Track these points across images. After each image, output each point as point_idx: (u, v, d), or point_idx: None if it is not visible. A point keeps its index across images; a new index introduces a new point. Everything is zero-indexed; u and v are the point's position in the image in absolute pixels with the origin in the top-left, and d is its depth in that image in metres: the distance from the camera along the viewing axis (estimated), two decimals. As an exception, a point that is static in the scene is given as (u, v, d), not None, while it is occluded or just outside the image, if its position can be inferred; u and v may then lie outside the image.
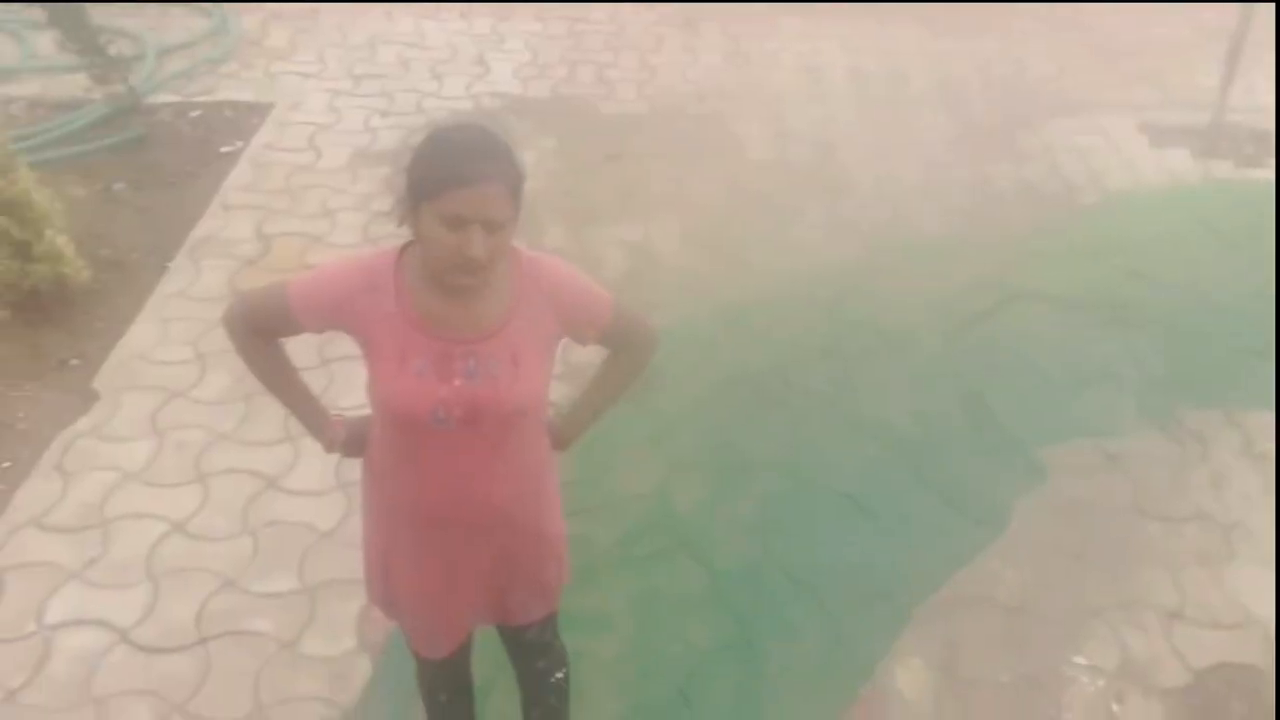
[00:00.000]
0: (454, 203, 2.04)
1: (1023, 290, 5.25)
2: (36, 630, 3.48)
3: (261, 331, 2.42)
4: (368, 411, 2.47)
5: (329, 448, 2.57)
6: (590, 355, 2.62)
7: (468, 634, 2.72)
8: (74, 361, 4.55)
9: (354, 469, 3.92)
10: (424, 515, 2.42)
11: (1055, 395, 4.64)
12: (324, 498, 3.98)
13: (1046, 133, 6.65)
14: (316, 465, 4.07)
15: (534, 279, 2.28)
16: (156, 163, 5.93)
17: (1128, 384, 4.69)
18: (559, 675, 2.91)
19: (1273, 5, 6.61)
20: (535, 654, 2.85)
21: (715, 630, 3.60)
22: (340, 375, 4.35)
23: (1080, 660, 3.55)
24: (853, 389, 4.64)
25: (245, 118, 6.43)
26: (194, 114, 6.45)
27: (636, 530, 3.94)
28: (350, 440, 2.55)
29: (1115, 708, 3.41)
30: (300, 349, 2.63)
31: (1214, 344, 4.94)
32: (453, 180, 2.05)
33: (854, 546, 3.93)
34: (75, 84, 6.42)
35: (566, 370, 4.00)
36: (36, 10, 6.15)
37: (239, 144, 6.16)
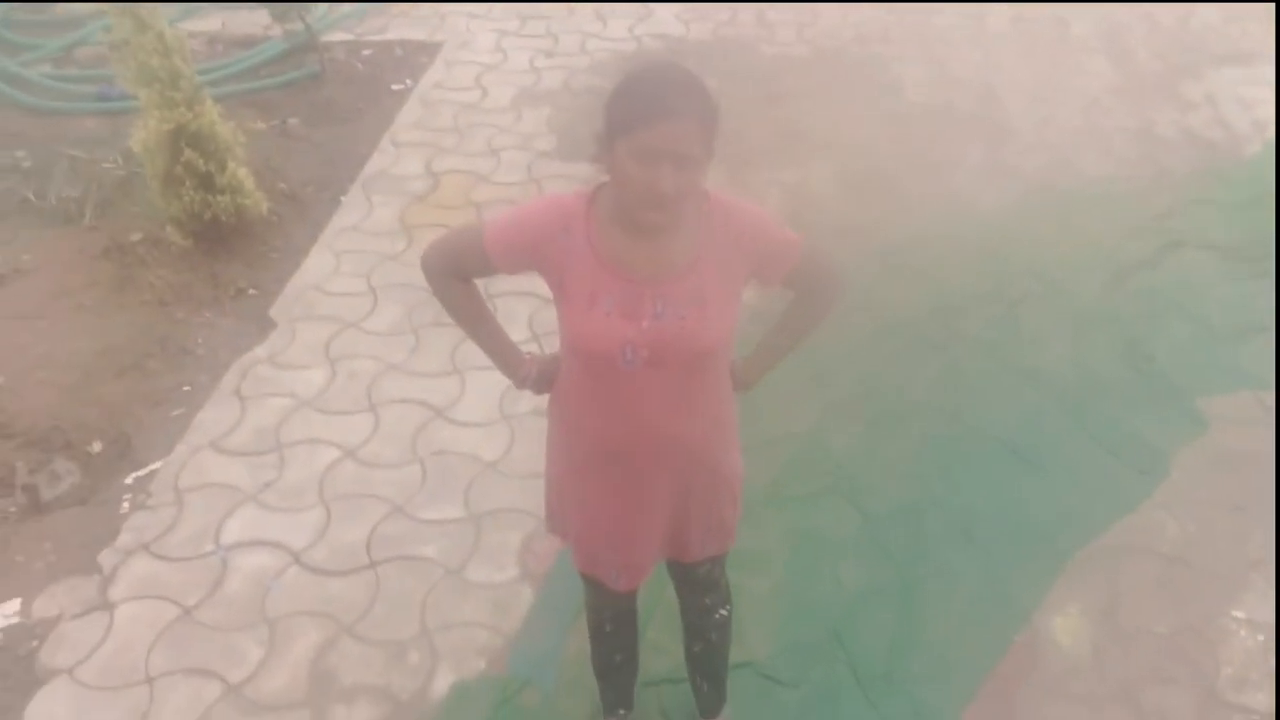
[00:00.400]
0: (647, 136, 1.94)
1: (1184, 238, 4.86)
2: (214, 549, 3.42)
3: (458, 273, 2.34)
4: (556, 349, 2.36)
5: (520, 384, 2.47)
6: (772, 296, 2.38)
7: (648, 569, 2.58)
8: (251, 291, 4.48)
9: (517, 401, 3.84)
10: (608, 449, 2.31)
11: (1215, 345, 4.28)
12: (489, 429, 3.83)
13: (1210, 81, 6.10)
14: (482, 397, 3.94)
15: (724, 221, 2.13)
16: (330, 99, 5.83)
17: (1289, 335, 4.30)
18: (724, 612, 2.79)
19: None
20: (703, 590, 2.73)
21: (869, 572, 3.40)
22: (502, 309, 4.18)
23: (1239, 614, 3.27)
24: (1012, 334, 4.34)
25: (415, 56, 6.29)
26: (366, 52, 6.33)
27: (792, 469, 3.74)
28: (541, 377, 2.44)
29: (1274, 662, 3.12)
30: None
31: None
32: (647, 114, 1.95)
33: (1012, 493, 3.68)
34: (253, 21, 6.36)
35: (750, 311, 3.76)
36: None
37: (409, 82, 6.03)
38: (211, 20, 6.62)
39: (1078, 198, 5.15)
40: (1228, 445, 3.83)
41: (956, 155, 5.45)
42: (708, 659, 2.85)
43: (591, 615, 2.78)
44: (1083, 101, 5.93)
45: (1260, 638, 3.18)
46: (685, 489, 2.40)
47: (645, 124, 1.94)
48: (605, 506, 2.41)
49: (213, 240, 4.59)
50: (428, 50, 6.32)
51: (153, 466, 3.69)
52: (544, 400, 2.49)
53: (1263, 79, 6.09)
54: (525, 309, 4.27)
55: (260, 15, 6.10)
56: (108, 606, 3.25)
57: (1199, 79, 6.14)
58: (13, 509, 3.54)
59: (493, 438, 3.78)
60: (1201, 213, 5.04)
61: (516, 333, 4.08)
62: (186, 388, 4.02)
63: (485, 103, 5.84)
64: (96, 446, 3.74)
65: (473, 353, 2.48)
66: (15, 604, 3.26)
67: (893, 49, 6.41)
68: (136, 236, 4.64)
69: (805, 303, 2.40)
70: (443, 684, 3.06)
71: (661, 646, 3.07)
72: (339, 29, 6.52)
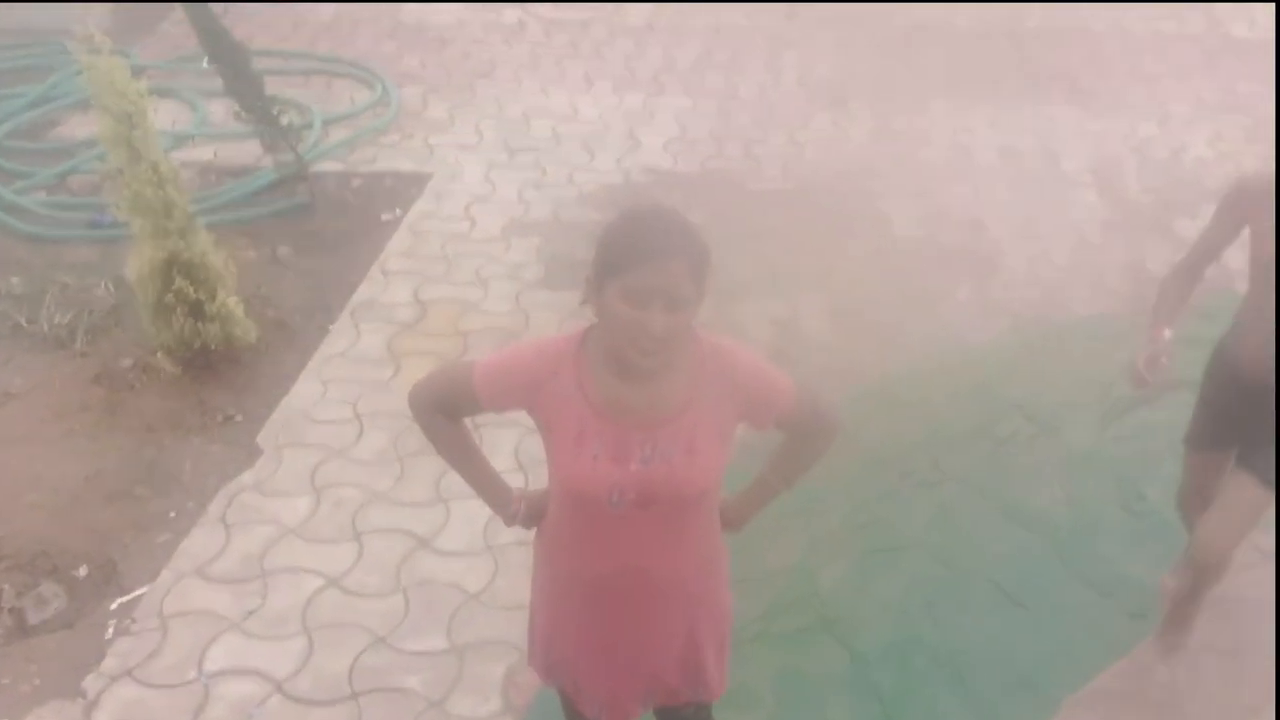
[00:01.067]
0: (638, 277, 2.06)
1: (1180, 378, 5.08)
2: (197, 677, 3.60)
3: (445, 410, 2.48)
4: (545, 485, 2.50)
5: (509, 521, 2.61)
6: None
7: (634, 712, 2.69)
8: (239, 417, 4.73)
9: (501, 532, 4.05)
10: (594, 586, 2.44)
11: (1208, 486, 4.48)
12: (473, 559, 4.04)
13: (1203, 217, 6.37)
14: (467, 527, 4.15)
15: (715, 364, 2.28)
16: (320, 229, 6.17)
17: (1283, 479, 4.50)
18: None
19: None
20: None
21: (857, 712, 3.55)
22: (488, 439, 4.42)
23: (1234, 763, 3.40)
24: (1002, 472, 4.56)
25: (405, 187, 6.65)
26: (356, 183, 6.70)
27: (779, 606, 3.91)
28: (529, 514, 2.58)
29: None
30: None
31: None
32: (638, 255, 2.07)
33: (1001, 634, 3.84)
34: (246, 151, 6.74)
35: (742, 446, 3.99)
36: (210, 80, 6.45)
37: (398, 212, 6.37)
38: (205, 150, 7.00)
39: (1068, 334, 5.44)
40: (1219, 588, 3.98)
41: (945, 290, 5.77)
42: None
43: None
44: (1073, 237, 6.28)
45: (1254, 785, 3.33)
46: (671, 627, 2.51)
47: (636, 265, 2.05)
48: (589, 641, 2.53)
49: (202, 367, 4.87)
50: (417, 181, 6.69)
51: (138, 592, 3.89)
52: (528, 531, 2.64)
53: (1253, 217, 6.45)
54: (510, 438, 4.51)
55: (253, 146, 6.46)
56: (91, 733, 3.40)
57: (1192, 215, 6.48)
58: None
59: (476, 568, 3.99)
60: (1194, 352, 5.30)
61: (501, 462, 4.31)
62: (173, 514, 4.24)
63: (474, 233, 6.18)
64: (83, 571, 3.94)
65: (458, 482, 2.67)
66: (-2, 729, 3.43)
67: (879, 183, 6.79)
68: (127, 363, 4.92)
69: (798, 445, 2.54)
70: (426, 818, 3.21)
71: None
72: (329, 159, 6.90)
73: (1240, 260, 5.54)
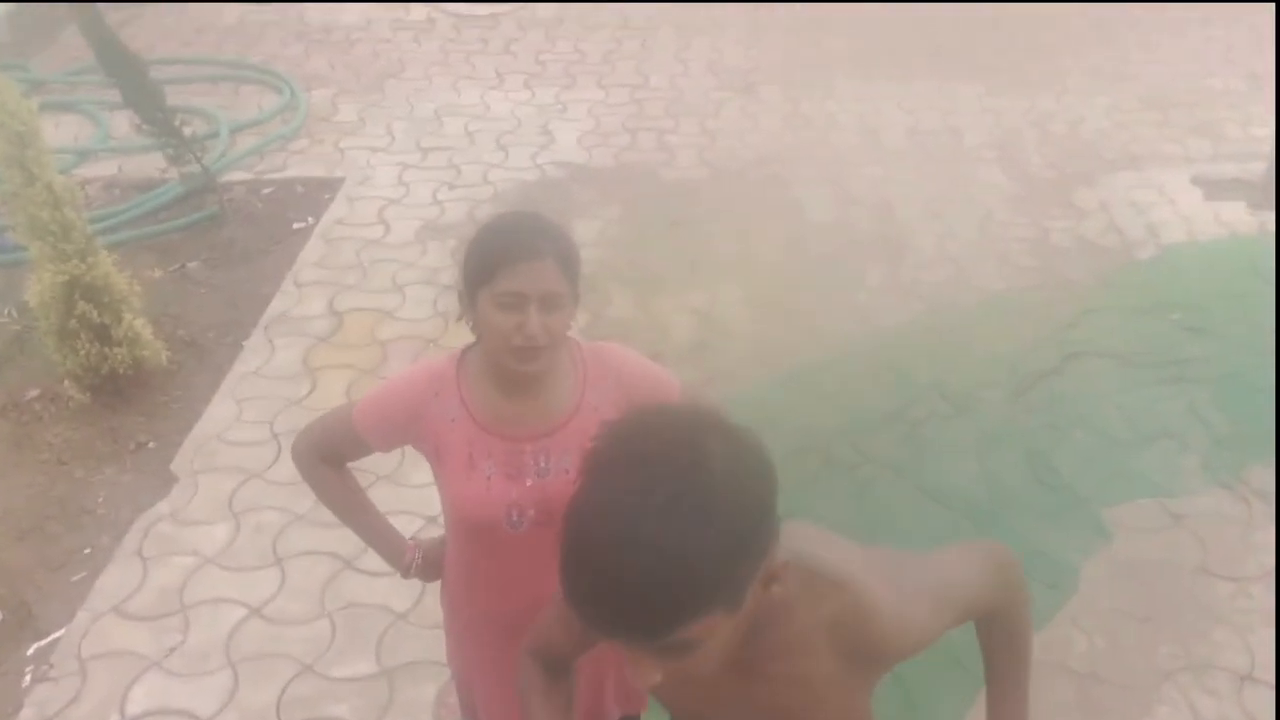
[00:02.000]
0: (508, 280, 2.00)
1: (1084, 347, 5.14)
2: (119, 721, 3.44)
3: (329, 459, 2.37)
4: (440, 533, 2.42)
5: (405, 573, 2.51)
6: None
7: None
8: (151, 444, 4.54)
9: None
10: (507, 627, 2.33)
11: (1118, 454, 4.51)
12: (399, 578, 3.84)
13: (1104, 188, 6.51)
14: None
15: (597, 367, 2.23)
16: (230, 240, 5.96)
17: (1190, 441, 4.56)
18: None
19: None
20: None
21: (789, 699, 3.49)
22: (411, 454, 4.26)
23: (1153, 727, 3.40)
24: (919, 452, 4.54)
25: (316, 193, 6.45)
26: (266, 191, 6.49)
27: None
28: (426, 563, 2.49)
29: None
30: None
31: (1276, 399, 4.76)
32: (506, 258, 2.01)
33: (926, 615, 3.81)
34: (150, 164, 6.49)
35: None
36: (112, 92, 6.22)
37: (310, 220, 6.18)
38: (107, 165, 6.74)
39: (978, 311, 5.43)
40: (1133, 555, 4.02)
41: (858, 274, 5.72)
42: None
43: None
44: (979, 214, 6.27)
45: (1174, 749, 3.33)
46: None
47: (504, 270, 2.00)
48: (501, 686, 2.41)
49: (111, 393, 4.65)
50: (329, 186, 6.50)
51: (54, 635, 3.70)
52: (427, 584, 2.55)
53: (1152, 183, 6.50)
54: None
55: (157, 158, 6.23)
56: (8, 788, 3.25)
57: (1092, 185, 6.53)
58: (-92, 688, 3.54)
59: (402, 588, 3.82)
60: (1100, 321, 5.34)
61: (423, 475, 4.16)
62: (87, 550, 4.05)
63: (388, 238, 6.01)
64: (-5, 616, 3.76)
65: (382, 498, 2.56)
66: (-91, 792, 3.26)
67: (791, 169, 6.73)
68: (33, 393, 4.69)
69: None
70: None
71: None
72: (238, 168, 6.67)
73: (1138, 229, 5.58)
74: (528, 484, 2.17)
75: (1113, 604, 3.82)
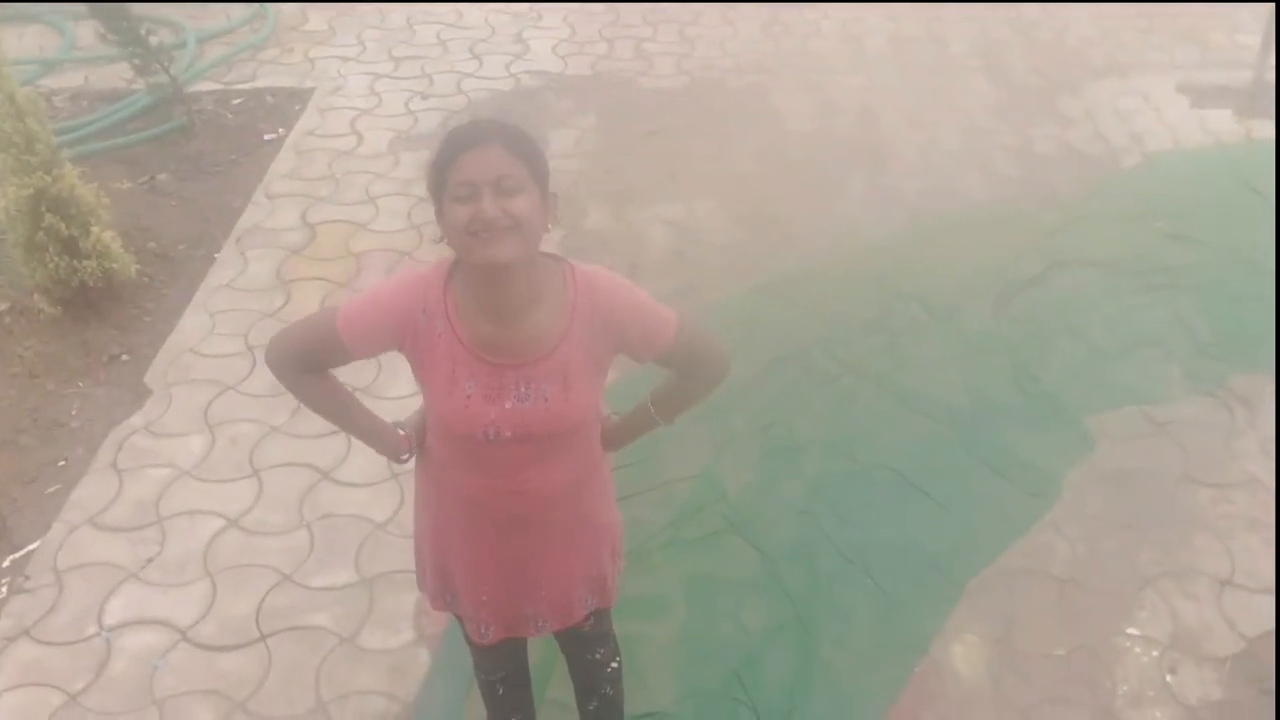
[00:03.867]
0: (457, 172, 1.99)
1: (1068, 256, 5.13)
2: (97, 632, 3.43)
3: (309, 365, 2.32)
4: (421, 404, 2.39)
5: (404, 460, 2.48)
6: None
7: (524, 627, 2.61)
8: (124, 357, 4.49)
9: (406, 459, 3.91)
10: (476, 506, 2.35)
11: (1102, 363, 4.52)
12: (377, 488, 3.90)
13: (1089, 95, 6.45)
14: (369, 456, 3.91)
15: (588, 299, 2.17)
16: (200, 152, 5.86)
17: (1174, 349, 4.57)
18: (615, 665, 2.87)
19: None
20: (591, 644, 2.80)
21: (768, 611, 3.52)
22: (388, 367, 4.25)
23: (1133, 631, 3.45)
24: (900, 362, 4.53)
25: (287, 104, 6.34)
26: (236, 101, 6.37)
27: (687, 513, 3.86)
28: (419, 445, 2.46)
29: (1169, 678, 3.31)
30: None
31: (1260, 306, 4.78)
32: (454, 153, 2.00)
33: (906, 522, 3.84)
34: (117, 74, 6.35)
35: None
36: (77, 2, 6.06)
37: (281, 131, 6.08)
38: (73, 76, 6.59)
39: (961, 221, 5.39)
40: (1116, 463, 4.04)
41: (839, 183, 5.67)
42: (605, 715, 2.93)
43: (481, 677, 2.85)
44: (963, 122, 6.21)
45: (1154, 653, 3.37)
46: (556, 541, 2.44)
47: (453, 163, 1.99)
48: (477, 559, 2.45)
49: (82, 306, 4.59)
50: (299, 97, 6.38)
51: (30, 548, 3.69)
52: None
53: (1138, 90, 6.44)
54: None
55: (123, 68, 6.09)
56: (-12, 697, 3.25)
57: (1077, 94, 6.47)
58: (-116, 599, 3.52)
59: (381, 497, 3.85)
60: (1084, 229, 5.32)
61: (400, 387, 4.15)
62: (61, 462, 4.02)
63: (361, 149, 5.91)
64: (-30, 531, 3.74)
65: (389, 380, 2.48)
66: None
67: (771, 78, 6.64)
68: (2, 306, 4.63)
69: (680, 382, 2.42)
70: (341, 756, 3.11)
71: (564, 704, 3.12)
72: (206, 79, 6.54)
73: (1123, 137, 5.53)
74: (506, 406, 2.16)
75: (1095, 511, 3.85)
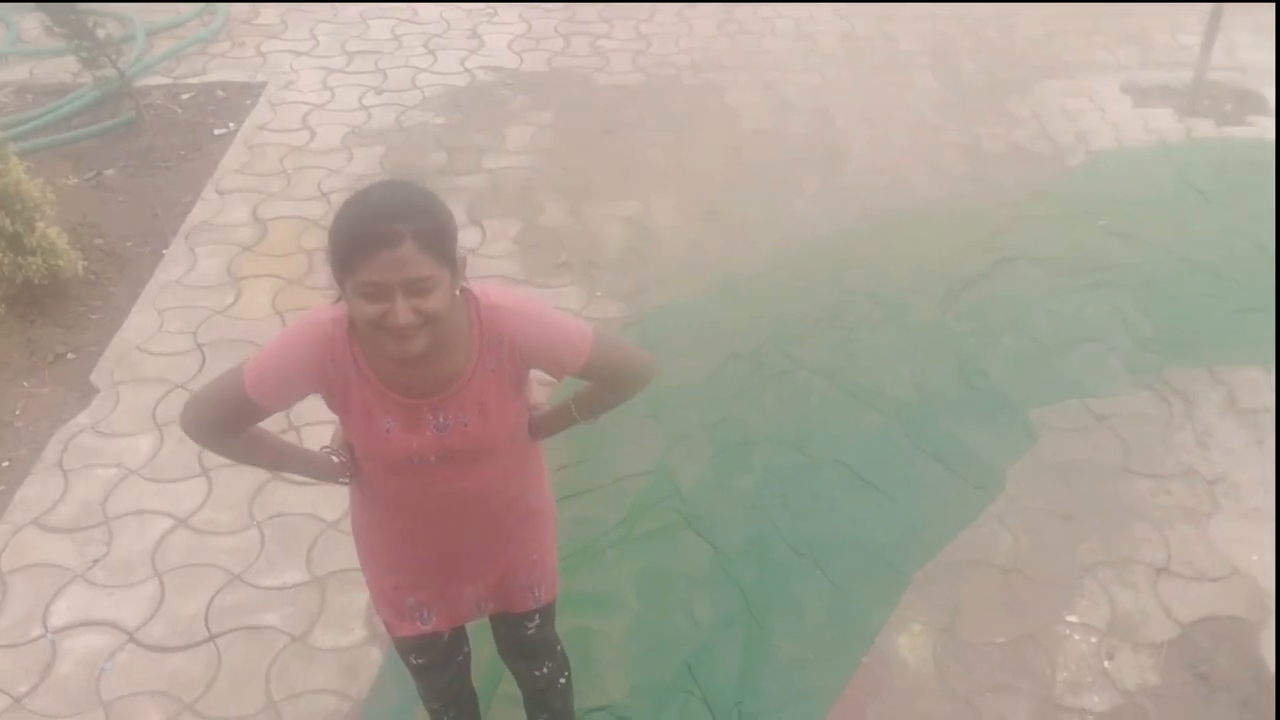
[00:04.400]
0: (366, 271, 1.91)
1: (1014, 253, 5.17)
2: (42, 634, 3.37)
3: (227, 429, 2.25)
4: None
5: (343, 483, 2.43)
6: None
7: (465, 612, 2.59)
8: (70, 355, 4.42)
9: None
10: (415, 510, 2.34)
11: (1045, 357, 4.57)
12: (328, 487, 3.78)
13: (1035, 95, 6.50)
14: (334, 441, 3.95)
15: (493, 330, 2.14)
16: (149, 147, 5.77)
17: (1115, 344, 4.62)
18: (563, 680, 2.86)
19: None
20: (537, 655, 2.77)
21: (720, 605, 3.53)
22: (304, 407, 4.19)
23: (1073, 618, 3.49)
24: (852, 358, 4.54)
25: (238, 98, 6.26)
26: (186, 96, 6.28)
27: (640, 508, 3.85)
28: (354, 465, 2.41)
29: (1107, 664, 3.35)
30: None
31: (1199, 302, 4.85)
32: (363, 249, 1.90)
33: (855, 516, 3.86)
34: (63, 68, 6.25)
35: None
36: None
37: (232, 126, 6.00)
38: (18, 69, 6.47)
39: (911, 218, 5.42)
40: (1058, 455, 4.09)
41: (793, 181, 5.68)
42: None
43: (426, 705, 2.82)
44: (913, 120, 6.24)
45: (1093, 640, 3.41)
46: (494, 531, 2.44)
47: (363, 260, 1.90)
48: (410, 550, 2.43)
49: (27, 304, 4.52)
50: (250, 92, 6.30)
51: (-28, 550, 3.63)
52: None
53: (1084, 91, 6.50)
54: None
55: (70, 62, 5.99)
56: (-69, 702, 3.18)
57: (1025, 93, 6.52)
58: None
59: (333, 495, 3.79)
60: (1030, 227, 5.37)
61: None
62: (5, 463, 3.95)
63: (313, 144, 5.85)
64: (-89, 530, 3.66)
65: (309, 410, 2.46)
66: None
67: (727, 75, 6.64)
68: (-56, 305, 4.55)
69: (603, 391, 2.40)
70: (291, 756, 3.08)
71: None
72: (155, 72, 6.45)
73: (1068, 136, 5.58)
74: (428, 434, 2.16)
75: (1037, 503, 3.89)
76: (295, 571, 3.58)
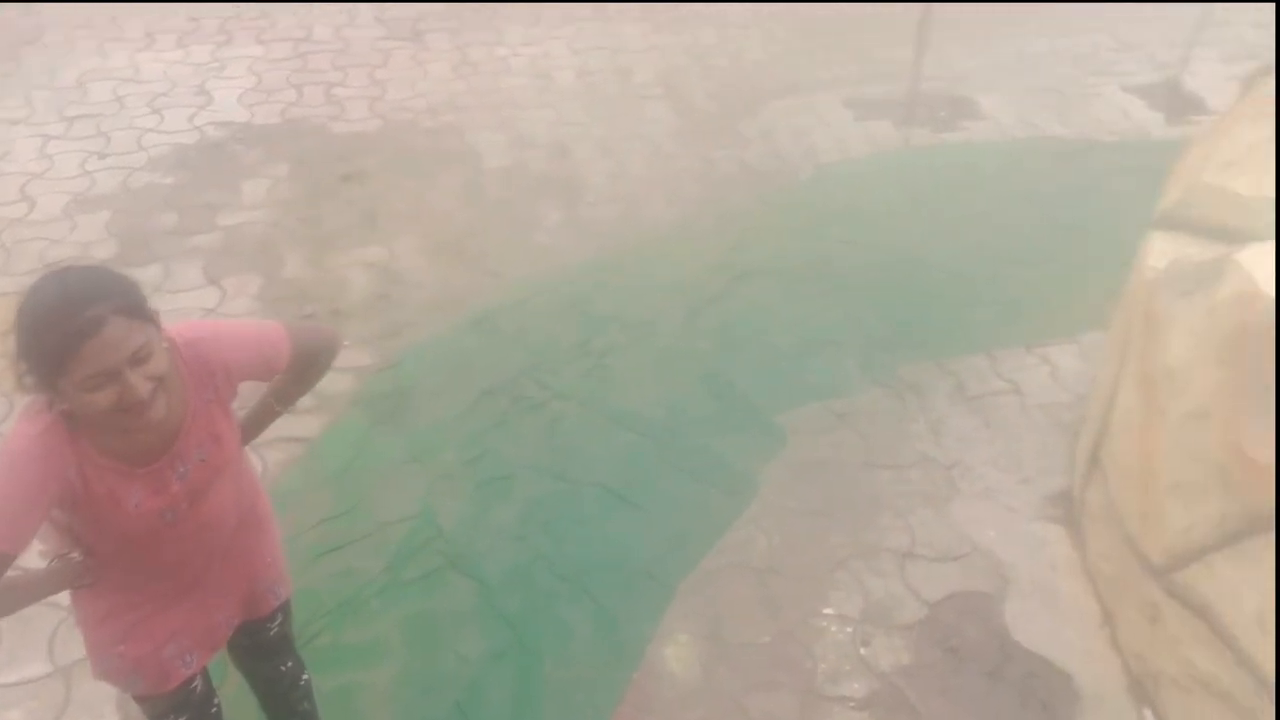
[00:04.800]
0: (84, 365, 1.85)
1: (751, 268, 5.36)
2: None
3: None
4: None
5: (89, 584, 2.26)
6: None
7: (225, 634, 2.53)
8: None
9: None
10: (163, 560, 2.25)
11: (787, 364, 4.74)
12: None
13: (764, 115, 6.76)
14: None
15: (200, 361, 2.14)
16: None
17: (850, 346, 4.84)
18: (305, 679, 2.86)
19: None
20: (280, 653, 2.77)
21: (489, 640, 3.51)
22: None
23: (829, 611, 3.62)
24: (603, 383, 4.62)
25: (-52, 173, 5.88)
26: (-110, 172, 5.85)
27: (404, 554, 3.80)
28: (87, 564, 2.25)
29: (863, 650, 3.49)
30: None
31: (924, 300, 5.14)
32: (71, 346, 1.84)
33: (617, 535, 3.92)
34: None
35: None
36: None
37: (-58, 201, 5.62)
38: None
39: (652, 243, 5.55)
40: (805, 455, 4.25)
41: (536, 216, 5.74)
42: None
43: None
44: (649, 149, 6.40)
45: (849, 629, 3.53)
46: (239, 543, 2.41)
47: (75, 356, 1.84)
48: (162, 596, 2.32)
49: None
50: (-38, 164, 5.94)
51: None
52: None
53: (809, 108, 6.81)
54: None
55: None
56: None
57: (754, 115, 6.78)
58: None
59: (73, 579, 3.61)
60: (764, 242, 5.58)
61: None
62: None
63: (33, 215, 5.55)
64: None
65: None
66: None
67: (465, 116, 6.66)
68: None
69: (302, 373, 2.46)
70: None
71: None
72: None
73: (797, 152, 5.74)
74: (174, 488, 2.12)
75: (788, 503, 4.03)
76: (38, 664, 3.36)
